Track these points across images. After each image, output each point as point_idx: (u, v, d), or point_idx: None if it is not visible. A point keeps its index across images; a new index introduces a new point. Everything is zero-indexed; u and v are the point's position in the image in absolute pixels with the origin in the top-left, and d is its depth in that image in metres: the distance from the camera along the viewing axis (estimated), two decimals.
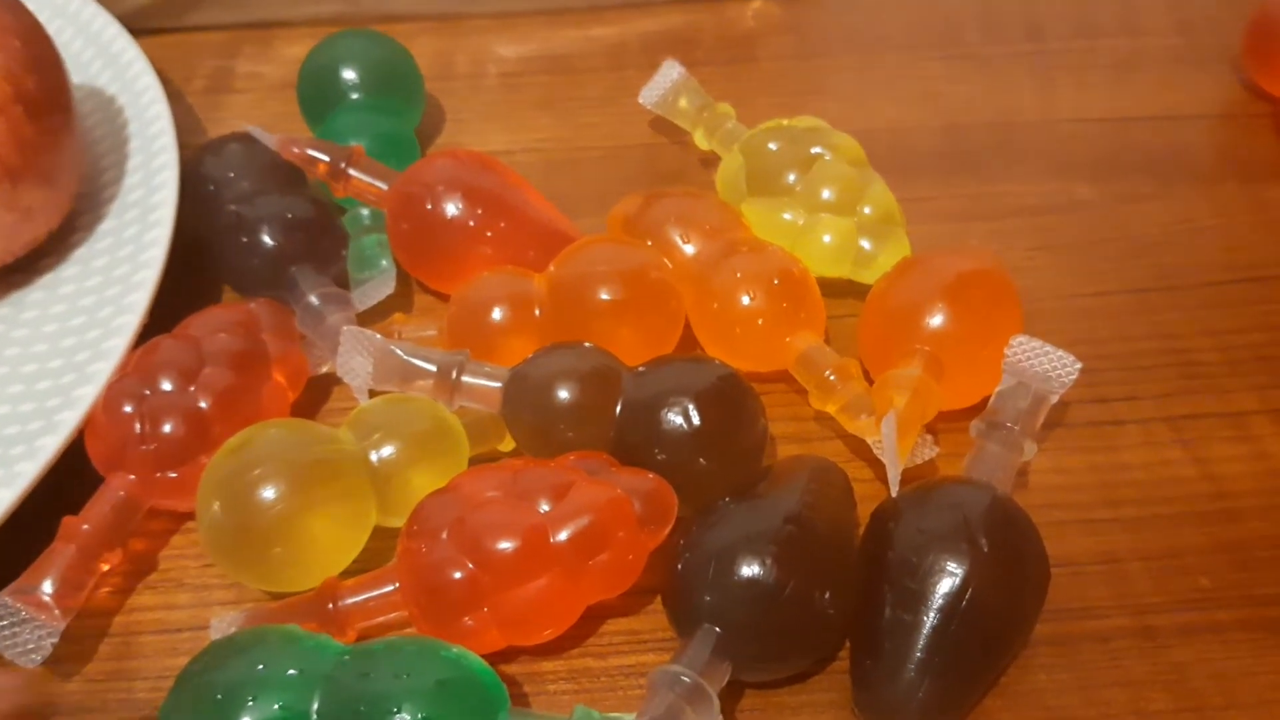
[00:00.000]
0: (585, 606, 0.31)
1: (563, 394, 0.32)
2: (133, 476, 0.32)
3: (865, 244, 0.38)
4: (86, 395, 0.34)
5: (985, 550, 0.29)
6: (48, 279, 0.39)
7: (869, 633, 0.29)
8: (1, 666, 0.30)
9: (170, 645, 0.32)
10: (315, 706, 0.26)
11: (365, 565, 0.32)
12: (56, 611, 0.30)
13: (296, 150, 0.39)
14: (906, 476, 0.32)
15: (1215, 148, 0.45)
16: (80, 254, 0.39)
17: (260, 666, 0.27)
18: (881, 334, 0.35)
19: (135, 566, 0.34)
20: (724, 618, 0.29)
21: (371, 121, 0.42)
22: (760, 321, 0.35)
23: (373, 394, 0.34)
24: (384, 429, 0.32)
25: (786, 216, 0.38)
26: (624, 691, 0.31)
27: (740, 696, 0.30)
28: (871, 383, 0.35)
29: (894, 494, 0.31)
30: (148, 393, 0.33)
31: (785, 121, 0.41)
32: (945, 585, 0.28)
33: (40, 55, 0.37)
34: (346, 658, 0.27)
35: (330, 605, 0.30)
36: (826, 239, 0.38)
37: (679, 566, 0.30)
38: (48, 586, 0.31)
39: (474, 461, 0.33)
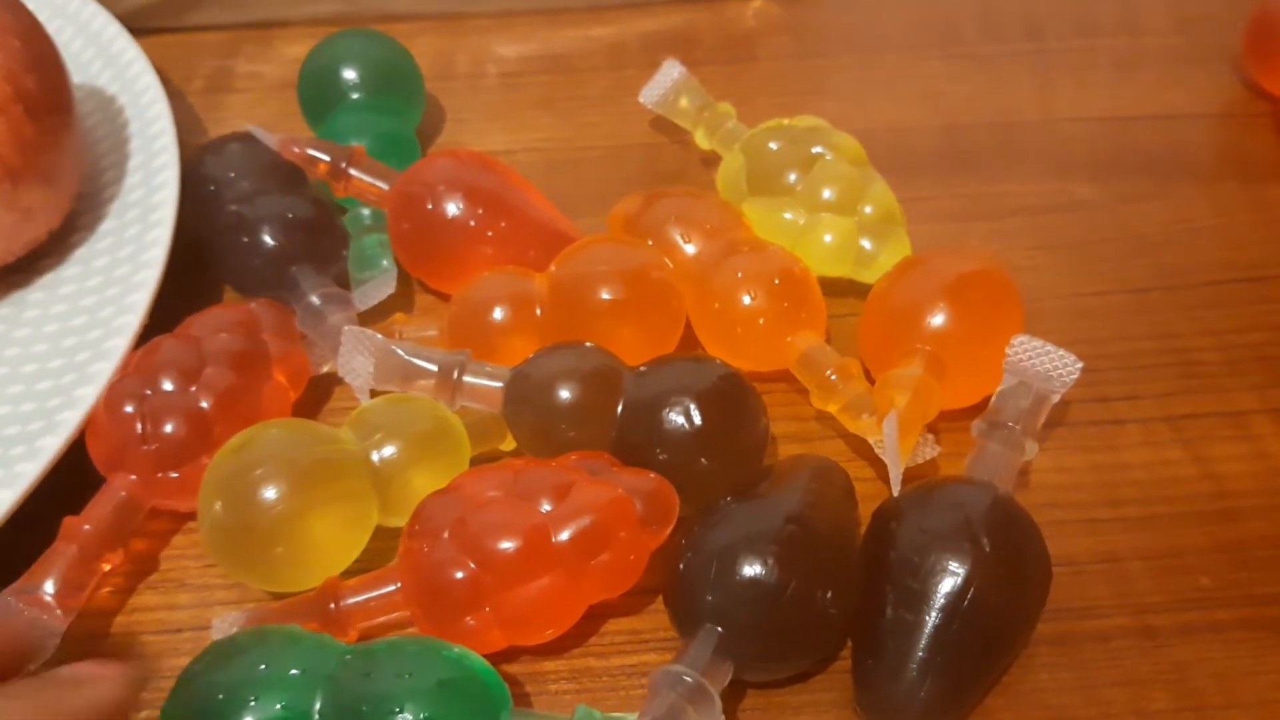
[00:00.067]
0: (587, 606, 0.31)
1: (564, 394, 0.32)
2: (134, 476, 0.32)
3: (866, 243, 0.38)
4: (87, 395, 0.34)
5: (987, 550, 0.29)
6: (48, 279, 0.39)
7: (871, 632, 0.29)
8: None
9: (172, 645, 0.32)
10: (317, 706, 0.26)
11: (367, 565, 0.32)
12: (58, 612, 0.30)
13: (297, 150, 0.39)
14: (908, 476, 0.32)
15: (1215, 147, 0.45)
16: (81, 254, 0.39)
17: (262, 666, 0.27)
18: (882, 333, 0.35)
19: (136, 567, 0.34)
20: (726, 617, 0.29)
21: (372, 121, 0.42)
22: (761, 321, 0.35)
23: (374, 394, 0.34)
24: (385, 429, 0.32)
25: (787, 216, 0.38)
26: (626, 691, 0.31)
27: (742, 696, 0.30)
28: (872, 382, 0.35)
29: (895, 493, 0.31)
30: (149, 393, 0.33)
31: (786, 121, 0.41)
32: (947, 585, 0.28)
33: (40, 55, 0.37)
34: (348, 658, 0.27)
35: (332, 605, 0.30)
36: (827, 238, 0.38)
37: (681, 566, 0.30)
38: (49, 587, 0.31)
39: (475, 461, 0.33)
